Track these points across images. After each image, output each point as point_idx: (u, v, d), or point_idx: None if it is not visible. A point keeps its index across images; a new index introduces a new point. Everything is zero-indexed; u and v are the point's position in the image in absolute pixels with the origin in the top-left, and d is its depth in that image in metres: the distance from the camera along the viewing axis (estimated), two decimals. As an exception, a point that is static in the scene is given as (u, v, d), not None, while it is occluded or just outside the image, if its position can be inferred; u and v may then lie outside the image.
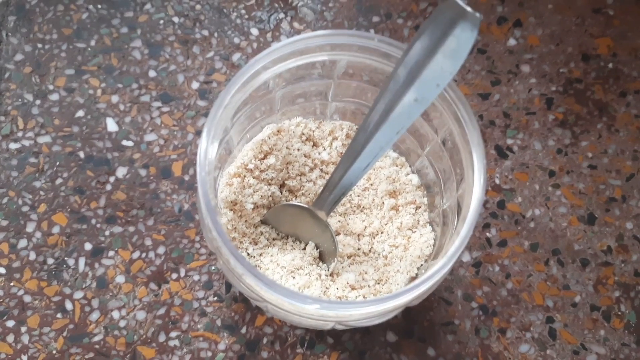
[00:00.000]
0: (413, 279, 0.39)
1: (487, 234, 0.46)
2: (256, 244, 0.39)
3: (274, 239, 0.40)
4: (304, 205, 0.39)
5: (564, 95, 0.50)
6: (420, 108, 0.31)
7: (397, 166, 0.43)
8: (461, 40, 0.27)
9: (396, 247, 0.40)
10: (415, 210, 0.41)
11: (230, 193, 0.39)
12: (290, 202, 0.40)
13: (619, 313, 0.44)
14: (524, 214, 0.46)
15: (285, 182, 0.41)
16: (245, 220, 0.39)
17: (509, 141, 0.48)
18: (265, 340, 0.42)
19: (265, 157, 0.40)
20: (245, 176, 0.39)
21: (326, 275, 0.39)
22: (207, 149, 0.30)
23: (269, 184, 0.40)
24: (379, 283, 0.39)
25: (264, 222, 0.40)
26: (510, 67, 0.50)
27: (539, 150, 0.48)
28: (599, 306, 0.44)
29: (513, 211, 0.46)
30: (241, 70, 0.32)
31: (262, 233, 0.40)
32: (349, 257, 0.40)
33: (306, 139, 0.42)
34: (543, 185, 0.47)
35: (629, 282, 0.45)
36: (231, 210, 0.39)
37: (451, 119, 0.35)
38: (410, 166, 0.43)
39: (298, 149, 0.41)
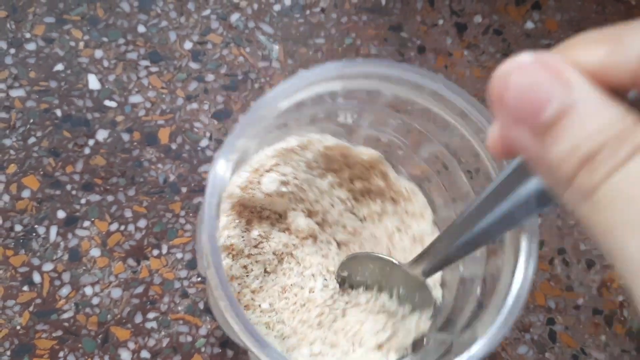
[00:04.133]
0: None
1: (491, 227, 0.43)
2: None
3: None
4: (394, 261, 0.32)
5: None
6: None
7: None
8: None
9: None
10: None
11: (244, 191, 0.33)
12: (373, 253, 0.33)
13: (622, 318, 0.42)
14: (531, 208, 0.44)
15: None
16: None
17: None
18: (250, 327, 0.39)
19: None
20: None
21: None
22: (224, 173, 0.25)
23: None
24: None
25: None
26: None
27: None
28: (601, 310, 0.42)
29: (520, 205, 0.44)
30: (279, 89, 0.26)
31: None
32: None
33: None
34: (552, 180, 0.44)
35: (634, 286, 0.43)
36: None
37: None
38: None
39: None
